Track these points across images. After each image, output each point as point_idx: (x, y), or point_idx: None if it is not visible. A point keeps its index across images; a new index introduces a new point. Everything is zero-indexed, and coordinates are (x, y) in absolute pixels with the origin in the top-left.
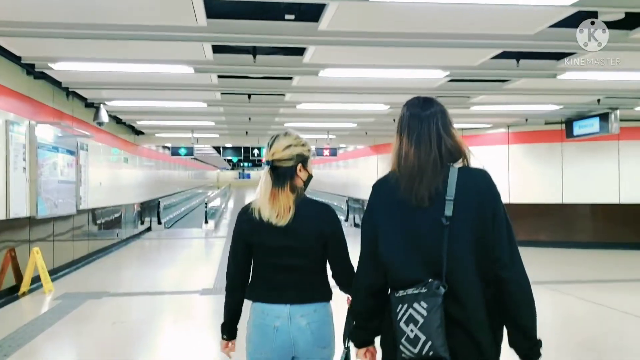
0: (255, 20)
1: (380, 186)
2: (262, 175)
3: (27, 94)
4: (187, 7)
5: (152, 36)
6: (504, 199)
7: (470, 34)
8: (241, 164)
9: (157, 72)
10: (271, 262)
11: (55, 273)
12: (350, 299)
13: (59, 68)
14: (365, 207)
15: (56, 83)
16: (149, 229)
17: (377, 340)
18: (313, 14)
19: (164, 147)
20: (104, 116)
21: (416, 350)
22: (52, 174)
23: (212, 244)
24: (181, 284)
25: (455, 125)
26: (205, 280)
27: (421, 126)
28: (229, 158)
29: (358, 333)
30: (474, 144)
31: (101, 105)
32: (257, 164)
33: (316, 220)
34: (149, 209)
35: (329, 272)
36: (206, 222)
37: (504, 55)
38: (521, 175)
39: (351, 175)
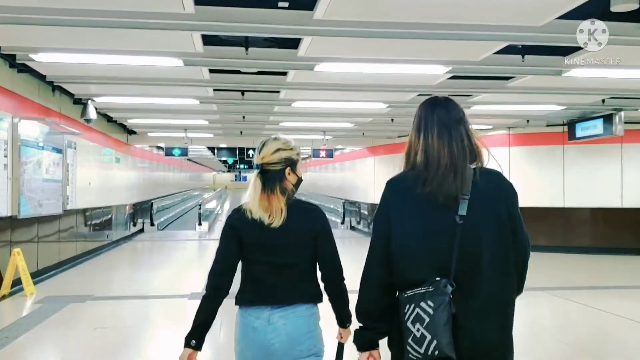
0: (247, 8)
1: (397, 184)
2: (251, 178)
3: (10, 88)
4: None
5: (137, 23)
6: None
7: (474, 25)
8: (237, 166)
9: (146, 64)
10: (262, 261)
11: (38, 275)
12: (343, 329)
13: (41, 60)
14: (362, 208)
15: (41, 77)
16: (141, 230)
17: (381, 345)
18: (308, 1)
19: (158, 147)
20: (92, 113)
21: (422, 350)
22: (36, 173)
23: (205, 246)
24: (170, 287)
25: None
26: (195, 283)
27: (453, 126)
28: (224, 159)
29: (364, 334)
30: None
31: (89, 102)
32: (252, 166)
33: (306, 218)
34: (142, 210)
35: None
36: (200, 224)
37: (508, 50)
38: (521, 178)
39: (347, 178)
